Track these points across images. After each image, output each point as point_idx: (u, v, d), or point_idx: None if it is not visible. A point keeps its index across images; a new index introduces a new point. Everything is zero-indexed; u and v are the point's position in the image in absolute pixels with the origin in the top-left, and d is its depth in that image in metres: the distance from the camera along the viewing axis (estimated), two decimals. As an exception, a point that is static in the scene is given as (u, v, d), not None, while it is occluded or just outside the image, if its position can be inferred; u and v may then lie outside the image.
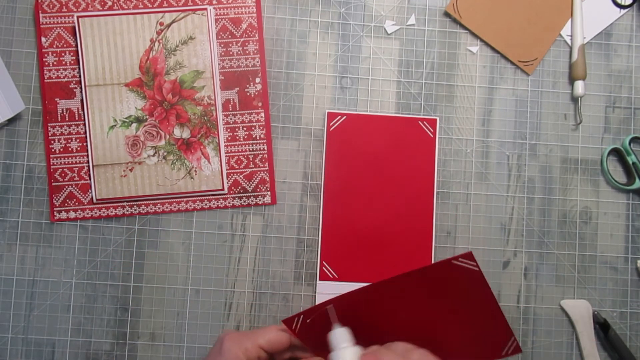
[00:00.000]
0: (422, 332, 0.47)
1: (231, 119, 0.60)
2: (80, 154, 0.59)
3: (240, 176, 0.60)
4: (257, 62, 0.60)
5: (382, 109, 0.61)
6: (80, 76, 0.59)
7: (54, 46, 0.59)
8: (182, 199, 0.59)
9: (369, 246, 0.59)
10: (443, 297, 0.45)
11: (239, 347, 0.44)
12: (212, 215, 0.59)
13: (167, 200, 0.59)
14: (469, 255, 0.42)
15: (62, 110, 0.59)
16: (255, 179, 0.60)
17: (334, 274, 0.59)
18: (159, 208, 0.59)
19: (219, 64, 0.60)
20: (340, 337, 0.43)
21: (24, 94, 0.59)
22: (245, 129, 0.60)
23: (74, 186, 0.59)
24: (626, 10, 0.63)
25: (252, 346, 0.44)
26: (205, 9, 0.59)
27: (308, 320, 0.45)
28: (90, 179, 0.58)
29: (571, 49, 0.62)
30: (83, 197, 0.59)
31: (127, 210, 0.59)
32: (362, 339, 0.47)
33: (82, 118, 0.59)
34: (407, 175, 0.59)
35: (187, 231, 0.59)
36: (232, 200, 0.59)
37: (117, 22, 0.58)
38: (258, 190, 0.60)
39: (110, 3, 0.59)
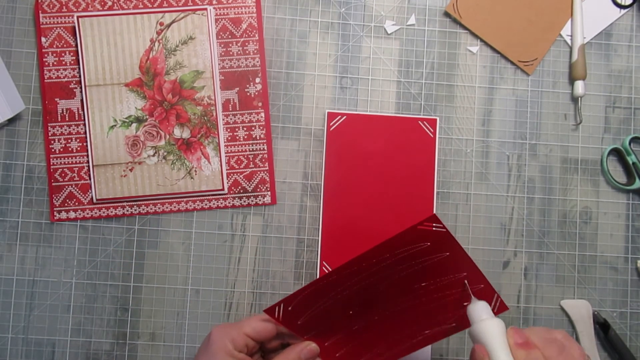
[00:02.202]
0: (406, 307, 0.47)
1: (231, 119, 0.60)
2: (80, 154, 0.59)
3: (240, 176, 0.60)
4: (257, 62, 0.60)
5: (382, 109, 0.61)
6: (80, 76, 0.59)
7: (54, 46, 0.59)
8: (182, 199, 0.59)
9: (369, 246, 0.59)
10: (418, 267, 0.45)
11: (226, 337, 0.45)
12: (212, 215, 0.59)
13: (167, 200, 0.59)
14: (434, 218, 0.42)
15: (62, 110, 0.59)
16: (255, 179, 0.60)
17: (334, 274, 0.59)
18: (159, 208, 0.59)
19: (219, 64, 0.60)
20: (482, 310, 0.43)
21: (24, 94, 0.59)
22: (245, 129, 0.60)
23: (74, 186, 0.59)
24: (626, 10, 0.63)
25: (239, 335, 0.45)
26: (205, 9, 0.59)
27: (289, 308, 0.46)
28: (90, 179, 0.58)
29: (571, 49, 0.62)
30: (83, 197, 0.59)
31: (127, 210, 0.59)
32: (347, 319, 0.47)
33: (82, 118, 0.59)
34: (407, 175, 0.59)
35: (187, 231, 0.59)
36: (232, 200, 0.59)
37: (117, 22, 0.58)
38: (258, 190, 0.60)
39: (110, 3, 0.59)
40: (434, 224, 0.43)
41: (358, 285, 0.46)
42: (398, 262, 0.45)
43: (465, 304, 0.46)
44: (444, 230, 0.43)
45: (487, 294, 0.46)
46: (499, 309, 0.47)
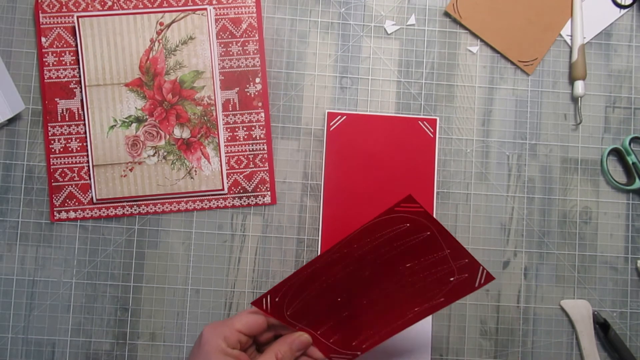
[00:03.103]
0: (393, 289, 0.47)
1: (231, 119, 0.60)
2: (80, 154, 0.59)
3: (240, 176, 0.60)
4: (257, 62, 0.60)
5: (382, 109, 0.61)
6: (80, 76, 0.59)
7: (54, 46, 0.59)
8: (182, 199, 0.59)
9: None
10: (401, 249, 0.46)
11: (217, 335, 0.44)
12: (212, 215, 0.59)
13: (167, 200, 0.59)
14: (410, 199, 0.43)
15: (62, 110, 0.59)
16: (255, 179, 0.60)
17: (334, 274, 0.59)
18: (159, 208, 0.59)
19: (219, 64, 0.60)
20: None
21: (24, 94, 0.59)
22: (245, 129, 0.60)
23: (74, 186, 0.59)
24: (626, 10, 0.63)
25: (231, 332, 0.45)
26: (205, 9, 0.59)
27: (277, 299, 0.46)
28: (90, 179, 0.58)
29: (571, 49, 0.62)
30: (83, 197, 0.59)
31: (127, 210, 0.59)
32: (336, 306, 0.47)
33: (82, 118, 0.59)
34: (407, 175, 0.59)
35: (187, 231, 0.59)
36: (232, 200, 0.59)
37: (117, 22, 0.58)
38: (258, 190, 0.60)
39: (110, 3, 0.59)
40: (410, 205, 0.43)
41: (343, 272, 0.46)
42: (380, 246, 0.45)
43: (451, 278, 0.47)
44: (422, 209, 0.43)
45: (472, 268, 0.47)
46: (485, 280, 0.47)
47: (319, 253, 0.59)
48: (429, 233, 0.45)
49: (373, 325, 0.49)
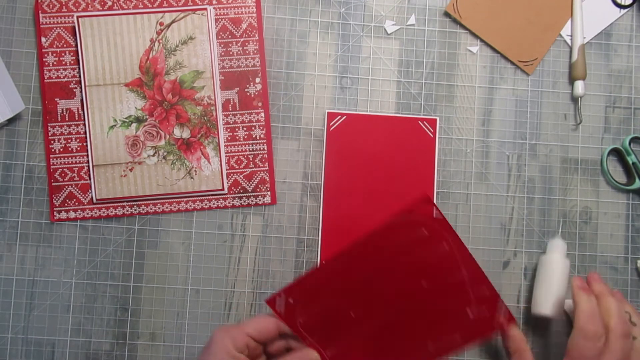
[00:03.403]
0: (407, 313, 0.47)
1: (231, 119, 0.60)
2: (80, 154, 0.59)
3: (240, 176, 0.60)
4: (257, 62, 0.60)
5: (382, 109, 0.61)
6: (80, 76, 0.59)
7: (54, 46, 0.59)
8: (182, 199, 0.59)
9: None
10: (417, 261, 0.45)
11: (227, 337, 0.45)
12: (212, 215, 0.59)
13: (167, 200, 0.59)
14: (427, 199, 0.42)
15: (62, 110, 0.59)
16: (255, 179, 0.60)
17: (334, 274, 0.59)
18: (159, 208, 0.59)
19: (219, 64, 0.60)
20: (557, 246, 0.56)
21: (24, 94, 0.59)
22: (245, 129, 0.60)
23: (74, 186, 0.59)
24: (626, 10, 0.63)
25: (240, 335, 0.45)
26: (205, 9, 0.59)
27: (290, 300, 0.45)
28: (90, 179, 0.58)
29: (571, 49, 0.62)
30: (83, 197, 0.59)
31: (127, 210, 0.59)
32: (349, 324, 0.47)
33: (82, 118, 0.59)
34: (407, 175, 0.59)
35: (187, 231, 0.59)
36: (232, 200, 0.59)
37: (117, 22, 0.58)
38: (258, 190, 0.60)
39: (110, 3, 0.59)
40: (427, 206, 0.42)
41: (357, 276, 0.45)
42: (396, 254, 0.44)
43: (468, 310, 0.46)
44: (440, 217, 0.43)
45: (491, 302, 0.46)
46: (506, 318, 0.46)
47: (319, 253, 0.59)
48: (447, 248, 0.44)
49: (387, 355, 0.48)
